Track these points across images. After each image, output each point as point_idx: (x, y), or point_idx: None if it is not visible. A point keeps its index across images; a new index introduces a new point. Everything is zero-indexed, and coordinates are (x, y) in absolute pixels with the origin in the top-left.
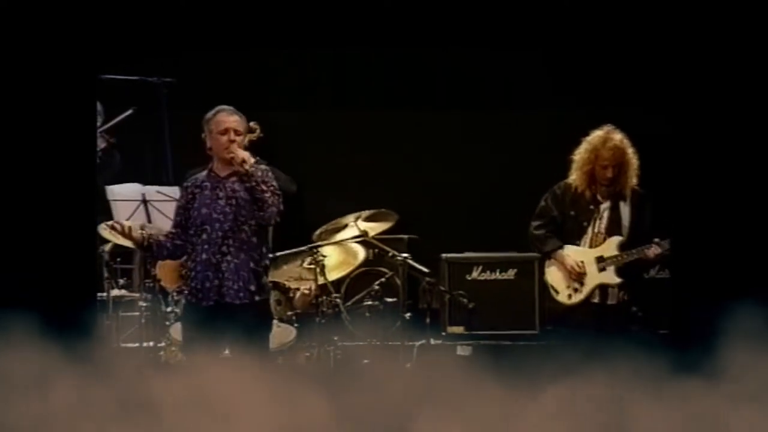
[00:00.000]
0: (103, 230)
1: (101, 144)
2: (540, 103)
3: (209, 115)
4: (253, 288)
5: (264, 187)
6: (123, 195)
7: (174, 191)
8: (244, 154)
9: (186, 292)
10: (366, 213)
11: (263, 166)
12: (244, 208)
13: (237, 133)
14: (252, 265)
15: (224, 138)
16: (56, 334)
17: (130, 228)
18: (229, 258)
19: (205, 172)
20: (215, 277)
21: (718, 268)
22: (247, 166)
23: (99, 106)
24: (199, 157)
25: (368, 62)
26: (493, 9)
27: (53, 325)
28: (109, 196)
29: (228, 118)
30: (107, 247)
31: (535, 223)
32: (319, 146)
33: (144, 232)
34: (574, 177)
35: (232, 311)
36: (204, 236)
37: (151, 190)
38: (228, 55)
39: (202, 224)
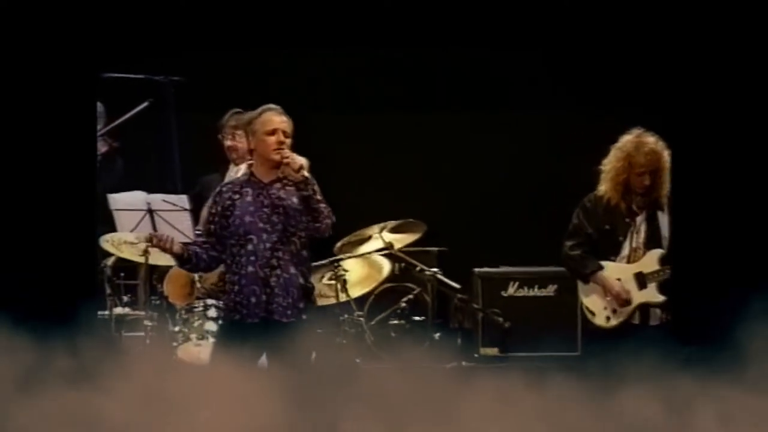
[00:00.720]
0: (105, 243)
1: (102, 148)
2: (576, 106)
3: (253, 114)
4: (301, 305)
5: (319, 197)
6: (126, 204)
7: (182, 200)
8: (302, 160)
9: (222, 306)
10: (392, 223)
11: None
12: (294, 218)
13: (285, 134)
14: (301, 280)
15: (272, 139)
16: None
17: (172, 240)
18: (278, 272)
19: (242, 176)
20: (263, 292)
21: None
22: (305, 173)
23: (100, 107)
24: (209, 162)
25: (393, 63)
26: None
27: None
28: (112, 205)
29: (276, 117)
30: (110, 261)
31: (569, 243)
32: (340, 151)
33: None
34: (606, 188)
35: (278, 329)
36: (249, 247)
37: (157, 199)
38: (239, 55)
39: (246, 234)
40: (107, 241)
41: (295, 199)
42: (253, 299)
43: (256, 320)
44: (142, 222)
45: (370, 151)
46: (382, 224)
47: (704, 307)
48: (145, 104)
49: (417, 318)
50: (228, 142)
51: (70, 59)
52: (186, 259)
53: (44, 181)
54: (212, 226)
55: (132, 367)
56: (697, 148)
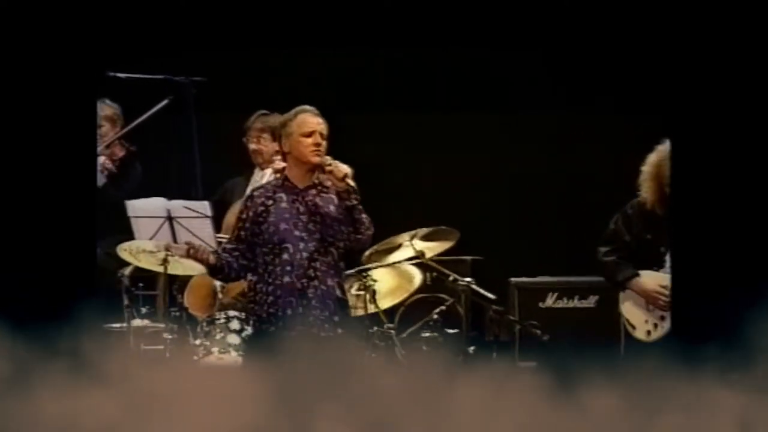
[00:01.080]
0: (122, 251)
1: (120, 153)
2: (620, 107)
3: (288, 116)
4: (337, 319)
5: (361, 207)
6: (145, 211)
7: (203, 206)
8: (346, 168)
9: (252, 317)
10: (423, 231)
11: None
12: (331, 226)
13: (322, 137)
14: (338, 292)
15: (309, 141)
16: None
17: (206, 250)
18: (316, 283)
19: (274, 181)
20: (299, 303)
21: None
22: (350, 182)
23: (117, 109)
24: (232, 166)
25: (423, 62)
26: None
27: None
28: (130, 212)
29: (313, 119)
30: (127, 271)
31: (603, 249)
32: (368, 154)
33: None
34: (646, 193)
35: (314, 342)
36: (285, 256)
37: (177, 206)
38: (262, 54)
39: (282, 242)
40: (125, 250)
41: (332, 207)
42: (289, 311)
43: (292, 333)
44: (162, 230)
45: (400, 154)
46: (412, 232)
47: (706, 308)
48: (165, 102)
49: (450, 330)
50: (253, 146)
51: (70, 58)
52: (218, 268)
53: (43, 180)
54: (243, 233)
55: (128, 368)
56: (698, 147)
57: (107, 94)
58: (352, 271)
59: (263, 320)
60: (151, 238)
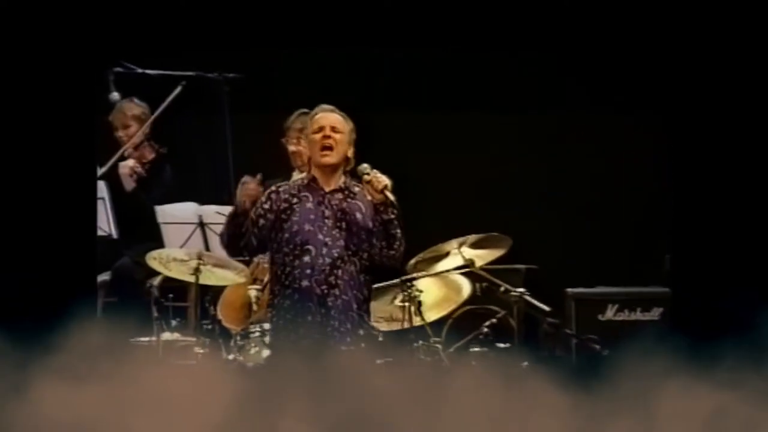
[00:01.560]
0: (152, 260)
1: (149, 155)
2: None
3: (307, 118)
4: (361, 332)
5: (398, 222)
6: (175, 217)
7: None
8: (387, 180)
9: (270, 327)
10: (472, 237)
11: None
12: (357, 235)
13: (334, 129)
14: (356, 306)
15: (318, 136)
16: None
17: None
18: (337, 292)
19: (300, 180)
20: (318, 312)
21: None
22: (389, 194)
23: (145, 108)
24: (269, 169)
25: (476, 63)
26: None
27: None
28: (159, 218)
29: (325, 115)
30: (156, 281)
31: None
32: (413, 155)
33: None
34: None
35: (334, 355)
36: (306, 259)
37: (210, 211)
38: (297, 51)
39: (304, 244)
40: (154, 258)
41: (358, 215)
42: (309, 317)
43: (309, 341)
44: (193, 237)
45: (448, 155)
46: (461, 239)
47: (706, 305)
48: (179, 89)
49: (502, 345)
50: (292, 147)
51: (69, 55)
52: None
53: (42, 180)
54: (262, 221)
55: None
56: (700, 146)
57: (135, 93)
58: (396, 280)
59: (280, 327)
60: (181, 246)
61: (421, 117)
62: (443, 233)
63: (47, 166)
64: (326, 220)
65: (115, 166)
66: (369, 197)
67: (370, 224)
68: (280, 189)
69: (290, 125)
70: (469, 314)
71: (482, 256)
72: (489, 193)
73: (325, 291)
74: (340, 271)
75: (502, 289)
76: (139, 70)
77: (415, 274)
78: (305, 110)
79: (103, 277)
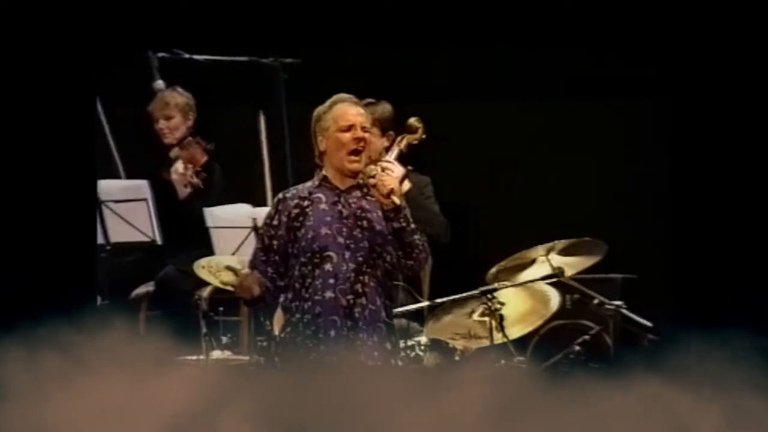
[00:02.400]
0: (200, 269)
1: (201, 158)
2: None
3: (323, 107)
4: (389, 346)
5: (413, 226)
6: (227, 220)
7: None
8: (394, 180)
9: (283, 347)
10: (562, 243)
11: (424, 178)
12: (381, 234)
13: (364, 129)
14: (384, 315)
15: (347, 136)
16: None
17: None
18: (363, 301)
19: (309, 182)
20: (344, 325)
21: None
22: (396, 199)
23: (190, 98)
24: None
25: (547, 58)
26: None
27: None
28: (209, 222)
29: (352, 109)
30: (205, 293)
31: None
32: (488, 148)
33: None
34: None
35: (364, 374)
36: (327, 267)
37: (264, 213)
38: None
39: (324, 250)
40: (203, 267)
41: (380, 212)
42: (333, 332)
43: (334, 358)
44: (247, 242)
45: (530, 147)
46: (549, 244)
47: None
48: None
49: (595, 365)
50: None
51: (72, 52)
52: (259, 297)
53: (42, 181)
54: (275, 242)
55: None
56: (701, 145)
57: (178, 81)
58: (474, 291)
59: (300, 346)
60: (234, 253)
61: (492, 107)
62: (528, 237)
63: (44, 166)
64: (345, 221)
65: (160, 166)
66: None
67: (387, 230)
68: (287, 195)
69: None
70: (558, 330)
71: (573, 264)
72: (580, 192)
73: (352, 301)
74: (366, 277)
75: (595, 301)
76: (186, 56)
77: (496, 285)
78: (371, 100)
79: (146, 288)
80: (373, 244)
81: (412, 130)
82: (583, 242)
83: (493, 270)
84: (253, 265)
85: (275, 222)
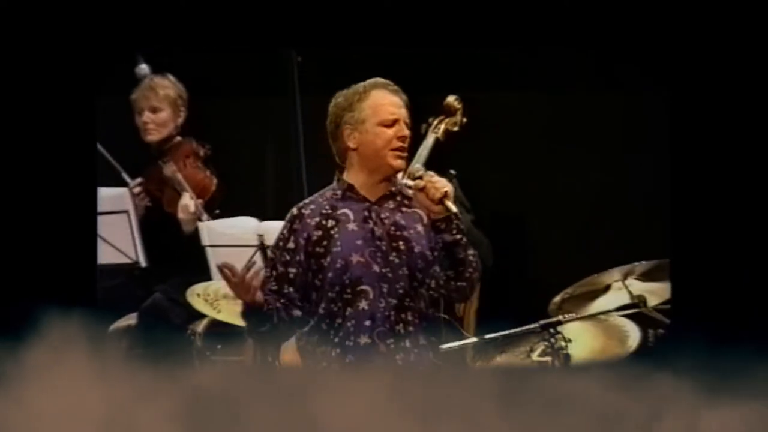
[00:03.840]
0: (194, 297)
1: (209, 185)
2: None
3: (354, 93)
4: None
5: (466, 239)
6: (227, 237)
7: None
8: (447, 185)
9: None
10: (642, 266)
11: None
12: (421, 257)
13: (408, 126)
14: (431, 355)
15: (390, 132)
16: None
17: (251, 274)
18: (407, 344)
19: (330, 191)
20: None
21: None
22: (451, 205)
23: (181, 89)
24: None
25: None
26: None
27: None
28: (206, 240)
29: (393, 98)
30: (200, 326)
31: None
32: (544, 145)
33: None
34: None
35: None
36: (362, 305)
37: (273, 229)
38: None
39: (357, 283)
40: (198, 295)
41: (420, 228)
42: None
43: None
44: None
45: (565, 142)
46: (626, 267)
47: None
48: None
49: None
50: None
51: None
52: (261, 317)
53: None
54: (292, 270)
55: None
56: (701, 145)
57: (170, 69)
58: (533, 325)
59: None
60: None
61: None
62: (600, 259)
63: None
64: (378, 243)
65: (145, 167)
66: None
67: (429, 248)
68: (304, 212)
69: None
70: None
71: (657, 292)
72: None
73: (392, 346)
74: (408, 314)
75: None
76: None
77: (561, 317)
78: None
79: (127, 321)
80: (413, 271)
81: (451, 112)
82: (665, 265)
83: (557, 299)
84: (267, 290)
85: (290, 245)
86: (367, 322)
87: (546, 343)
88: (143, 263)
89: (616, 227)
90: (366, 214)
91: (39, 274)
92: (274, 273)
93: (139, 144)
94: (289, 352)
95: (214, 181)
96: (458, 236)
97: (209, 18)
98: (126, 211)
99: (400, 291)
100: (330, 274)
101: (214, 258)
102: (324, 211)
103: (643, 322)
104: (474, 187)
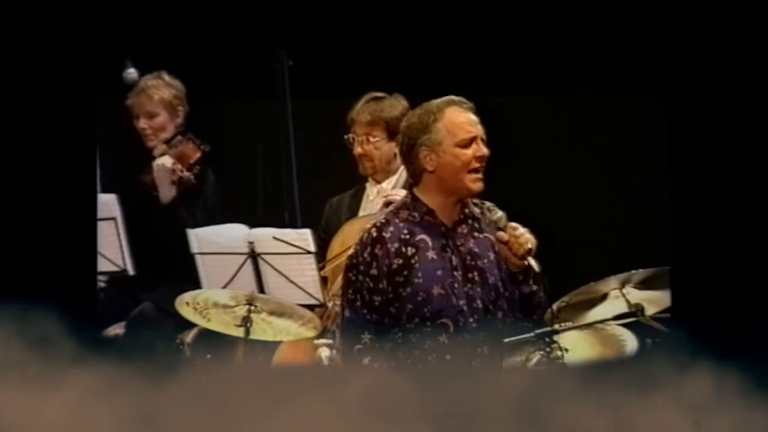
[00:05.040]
0: (183, 306)
1: (193, 153)
2: None
3: (429, 111)
4: None
5: (541, 285)
6: (217, 245)
7: (303, 237)
8: (532, 241)
9: None
10: (639, 274)
11: (489, 208)
12: (494, 288)
13: (485, 143)
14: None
15: (469, 153)
16: None
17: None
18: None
19: (406, 212)
20: None
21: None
22: (533, 262)
23: (180, 89)
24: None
25: None
26: None
27: None
28: (195, 247)
29: (470, 117)
30: (189, 336)
31: None
32: (543, 149)
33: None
34: None
35: None
36: (443, 339)
37: (264, 236)
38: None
39: (437, 317)
40: (187, 304)
41: (491, 255)
42: None
43: None
44: (242, 272)
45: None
46: (623, 275)
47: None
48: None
49: None
50: (359, 148)
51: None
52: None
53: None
54: (376, 299)
55: None
56: (702, 150)
57: (167, 68)
58: (529, 335)
59: None
60: (225, 286)
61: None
62: (597, 267)
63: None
64: (456, 273)
65: (139, 169)
66: (504, 260)
67: (500, 279)
68: (385, 235)
69: (355, 117)
70: None
71: (654, 300)
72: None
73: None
74: (485, 348)
75: None
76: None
77: (557, 326)
78: (378, 94)
79: (114, 330)
80: (486, 304)
81: None
82: (664, 272)
83: (554, 306)
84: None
85: (373, 271)
86: (448, 356)
87: (542, 352)
88: (131, 271)
89: (616, 234)
90: (444, 241)
91: (39, 274)
92: (362, 299)
93: (141, 147)
94: (285, 351)
95: (197, 154)
96: (535, 287)
97: (200, 19)
98: (113, 218)
99: (474, 325)
100: (410, 306)
101: (203, 266)
102: (403, 236)
103: (640, 331)
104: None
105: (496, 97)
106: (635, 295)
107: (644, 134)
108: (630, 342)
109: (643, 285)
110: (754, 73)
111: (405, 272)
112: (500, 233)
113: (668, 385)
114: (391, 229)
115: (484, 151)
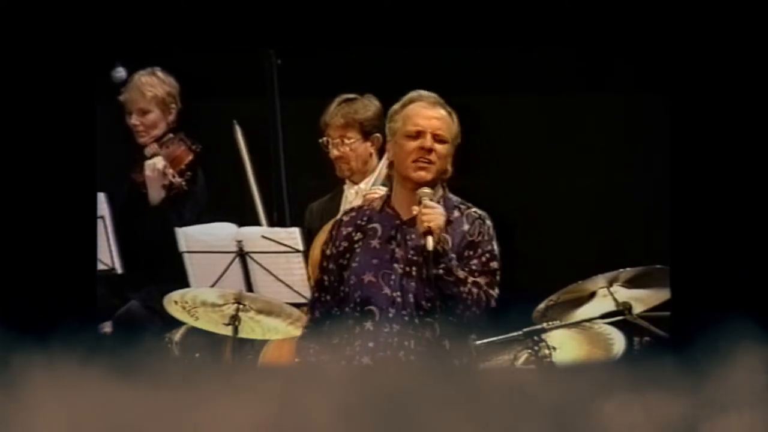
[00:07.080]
0: (171, 304)
1: (185, 156)
2: None
3: (396, 105)
4: None
5: (461, 274)
6: (205, 244)
7: (292, 236)
8: (438, 218)
9: None
10: (627, 273)
11: (475, 211)
12: (428, 284)
13: (438, 138)
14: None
15: (413, 145)
16: None
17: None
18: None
19: (376, 203)
20: None
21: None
22: (430, 242)
23: (174, 86)
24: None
25: None
26: None
27: None
28: (183, 245)
29: (427, 111)
30: (177, 335)
31: None
32: (541, 148)
33: None
34: None
35: None
36: (368, 325)
37: (253, 235)
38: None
39: (365, 303)
40: (175, 303)
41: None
42: None
43: None
44: (230, 271)
45: (556, 145)
46: (611, 274)
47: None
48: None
49: None
50: (335, 151)
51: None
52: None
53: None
54: (325, 278)
55: None
56: (702, 146)
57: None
58: (517, 333)
59: None
60: (213, 285)
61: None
62: (585, 266)
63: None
64: (396, 266)
65: (127, 170)
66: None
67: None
68: (344, 219)
69: (329, 120)
70: None
71: (642, 299)
72: (650, 210)
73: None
74: (412, 342)
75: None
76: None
77: (544, 325)
78: (350, 96)
79: (102, 329)
80: (419, 299)
81: None
82: (653, 271)
83: (542, 306)
84: (313, 302)
85: (329, 251)
86: (371, 344)
87: (530, 350)
88: (119, 270)
89: (616, 233)
90: (392, 233)
91: (39, 274)
92: (316, 279)
93: (132, 145)
94: (272, 350)
95: (189, 157)
96: (441, 272)
97: (189, 19)
98: (102, 217)
99: (406, 319)
100: (346, 289)
101: (191, 264)
102: (359, 222)
103: (627, 330)
104: (467, 191)
105: (495, 96)
106: (623, 294)
107: (643, 134)
108: (618, 341)
109: (630, 283)
110: (754, 73)
111: (347, 255)
112: (414, 207)
113: (668, 385)
114: (353, 214)
115: (428, 144)
